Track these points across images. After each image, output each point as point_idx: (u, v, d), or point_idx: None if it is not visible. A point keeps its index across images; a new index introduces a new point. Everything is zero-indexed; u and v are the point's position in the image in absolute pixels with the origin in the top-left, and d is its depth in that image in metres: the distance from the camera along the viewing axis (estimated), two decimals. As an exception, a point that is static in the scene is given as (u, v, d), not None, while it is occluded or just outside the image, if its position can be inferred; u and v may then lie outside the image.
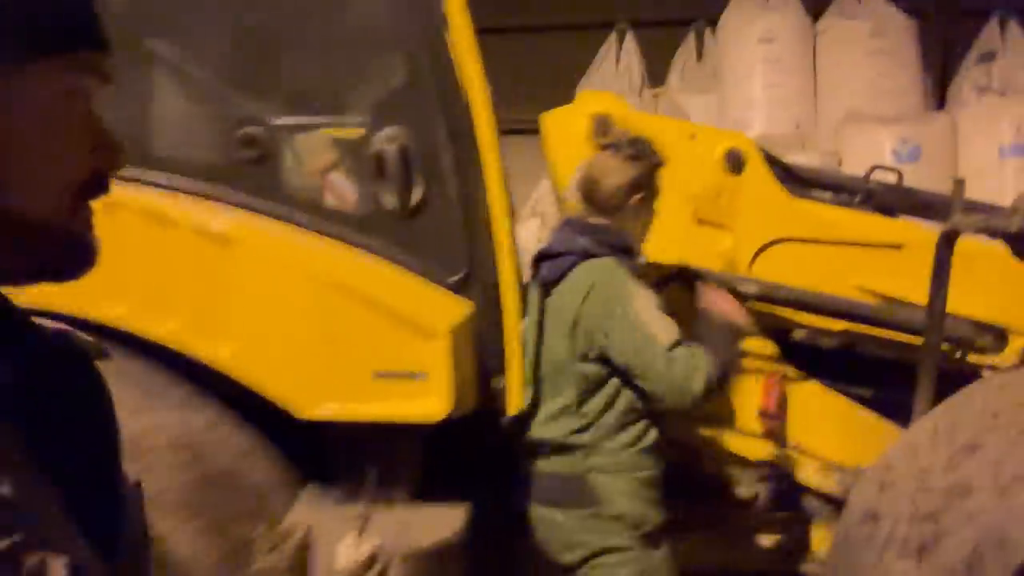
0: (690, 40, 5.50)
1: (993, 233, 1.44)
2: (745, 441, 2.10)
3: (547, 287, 1.82)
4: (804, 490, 2.08)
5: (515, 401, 1.62)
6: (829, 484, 1.92)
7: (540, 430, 1.79)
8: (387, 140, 1.65)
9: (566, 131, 2.10)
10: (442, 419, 1.55)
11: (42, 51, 0.53)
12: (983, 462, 1.38)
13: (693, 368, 1.64)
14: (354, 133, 1.73)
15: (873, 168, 2.17)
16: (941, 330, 1.61)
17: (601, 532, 1.72)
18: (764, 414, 2.03)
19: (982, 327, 1.90)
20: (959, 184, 1.66)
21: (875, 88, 4.78)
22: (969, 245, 1.66)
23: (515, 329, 1.62)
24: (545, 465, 1.78)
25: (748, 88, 4.96)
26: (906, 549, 1.39)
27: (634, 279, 1.74)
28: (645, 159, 1.83)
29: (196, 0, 1.76)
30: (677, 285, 2.03)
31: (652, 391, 1.70)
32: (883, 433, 2.00)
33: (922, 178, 3.69)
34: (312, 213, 1.72)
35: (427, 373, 1.52)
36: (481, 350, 1.66)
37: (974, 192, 3.92)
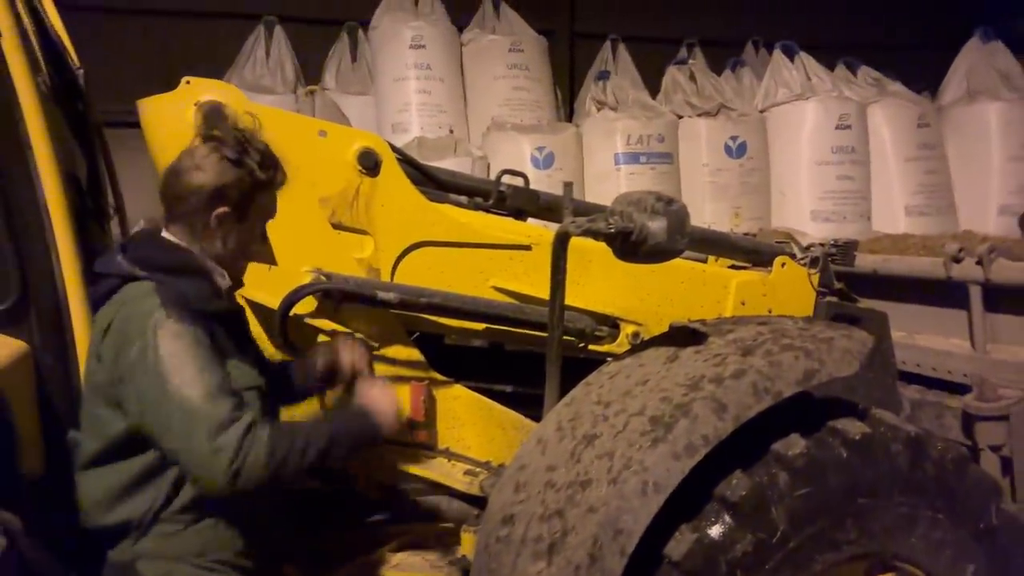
0: (344, 39, 5.39)
1: (595, 234, 1.51)
2: (397, 452, 2.02)
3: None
4: (454, 495, 2.07)
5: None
6: (474, 488, 1.92)
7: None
8: None
9: (169, 120, 1.80)
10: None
11: None
12: (599, 453, 1.45)
13: (243, 438, 1.30)
14: None
15: (503, 172, 2.24)
16: (561, 324, 1.67)
17: None
18: (412, 422, 1.97)
19: (599, 318, 2.06)
20: (568, 187, 1.76)
21: (514, 99, 5.17)
22: (585, 243, 1.76)
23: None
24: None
25: (402, 92, 5.02)
26: (538, 549, 1.40)
27: (178, 311, 1.35)
28: (247, 167, 1.44)
29: None
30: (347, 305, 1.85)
31: (177, 460, 1.34)
32: (528, 431, 2.07)
33: (556, 182, 4.08)
34: None
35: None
36: (47, 398, 1.30)
37: (597, 194, 4.49)
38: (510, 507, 1.52)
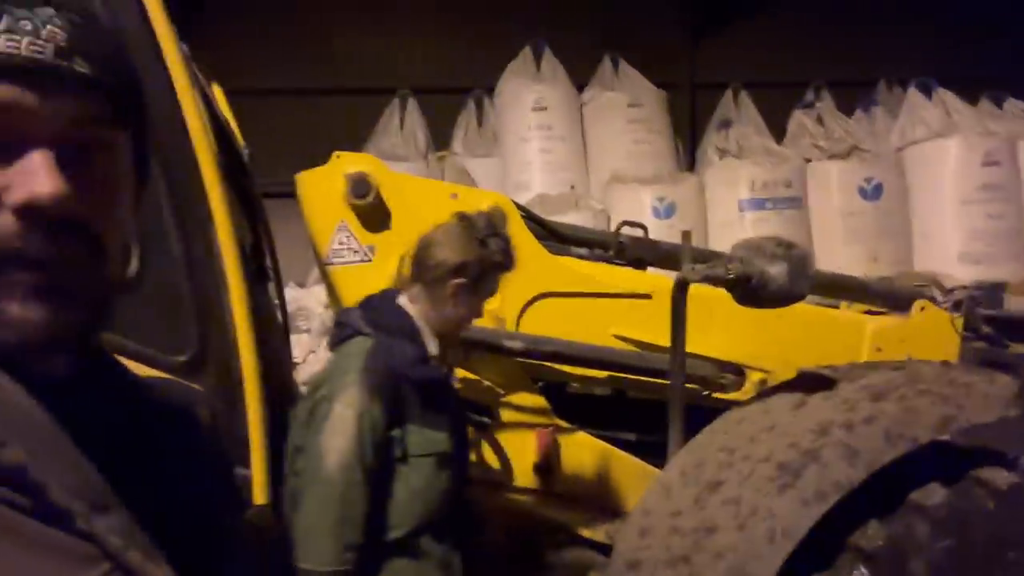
0: (471, 107, 5.73)
1: (714, 281, 1.54)
2: (523, 498, 2.08)
3: None
4: (584, 541, 2.09)
5: (260, 491, 1.46)
6: (599, 534, 1.94)
7: None
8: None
9: (321, 191, 2.01)
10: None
11: None
12: (724, 499, 1.44)
13: (319, 528, 1.40)
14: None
15: (622, 224, 2.31)
16: (683, 371, 1.69)
17: None
18: (538, 468, 2.03)
19: (722, 365, 2.05)
20: (686, 236, 1.79)
21: (635, 152, 5.26)
22: (707, 290, 1.78)
23: (257, 412, 1.46)
24: None
25: (525, 152, 5.24)
26: (664, 594, 1.40)
27: (371, 379, 1.47)
28: (490, 249, 1.60)
29: None
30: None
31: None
32: (651, 478, 2.07)
33: (677, 232, 4.06)
34: None
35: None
36: (219, 440, 1.48)
37: (721, 242, 4.43)
38: (635, 553, 1.53)
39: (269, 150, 4.54)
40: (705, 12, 6.09)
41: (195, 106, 1.46)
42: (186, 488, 0.61)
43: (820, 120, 5.12)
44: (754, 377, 2.09)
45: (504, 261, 1.65)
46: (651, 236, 2.41)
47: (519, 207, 2.18)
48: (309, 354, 4.59)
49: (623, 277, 2.17)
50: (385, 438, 1.48)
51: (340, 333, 1.62)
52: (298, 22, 6.03)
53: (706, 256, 2.03)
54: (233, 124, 2.49)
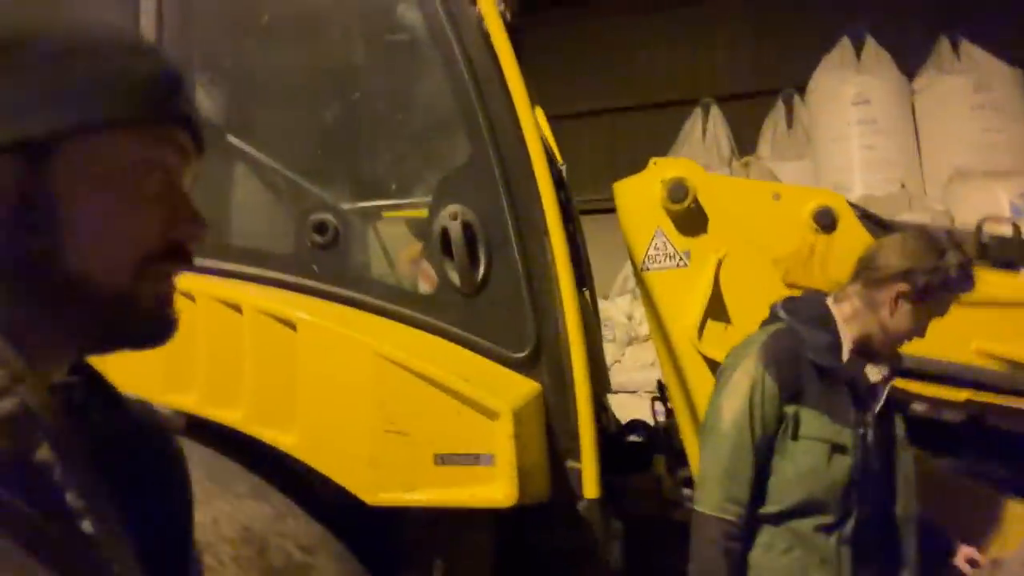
0: (779, 108, 5.41)
1: None
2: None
3: None
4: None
5: (591, 485, 1.50)
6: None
7: None
8: (451, 216, 1.64)
9: (639, 198, 2.03)
10: (511, 505, 1.44)
11: (120, 118, 0.53)
12: None
13: (710, 476, 1.49)
14: (421, 213, 1.73)
15: (983, 220, 1.97)
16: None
17: None
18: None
19: None
20: None
21: (983, 143, 4.50)
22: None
23: (586, 407, 1.51)
24: None
25: (844, 151, 4.78)
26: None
27: (774, 358, 1.51)
28: (946, 264, 1.52)
29: (272, 96, 1.84)
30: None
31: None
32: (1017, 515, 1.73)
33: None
34: (378, 295, 1.71)
35: (492, 456, 1.43)
36: (552, 432, 1.56)
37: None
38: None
39: (572, 170, 4.78)
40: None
41: (534, 131, 1.58)
42: (163, 507, 0.61)
43: None
44: None
45: (959, 279, 1.53)
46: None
47: (853, 206, 1.98)
48: (614, 363, 4.69)
49: (989, 282, 1.85)
50: (779, 412, 1.51)
51: (765, 321, 1.68)
52: (604, 46, 6.26)
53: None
54: (552, 143, 2.65)
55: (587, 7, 6.19)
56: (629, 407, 3.42)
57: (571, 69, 6.25)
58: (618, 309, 5.00)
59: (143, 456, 0.61)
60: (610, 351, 4.79)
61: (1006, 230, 1.99)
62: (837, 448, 1.50)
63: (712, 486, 1.49)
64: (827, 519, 1.49)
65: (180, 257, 0.57)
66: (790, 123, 5.38)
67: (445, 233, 1.65)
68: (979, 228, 1.96)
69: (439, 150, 1.82)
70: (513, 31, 1.86)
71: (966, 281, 1.54)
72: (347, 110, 1.84)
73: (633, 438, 2.54)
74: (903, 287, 1.52)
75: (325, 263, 1.76)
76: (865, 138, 4.71)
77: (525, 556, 1.65)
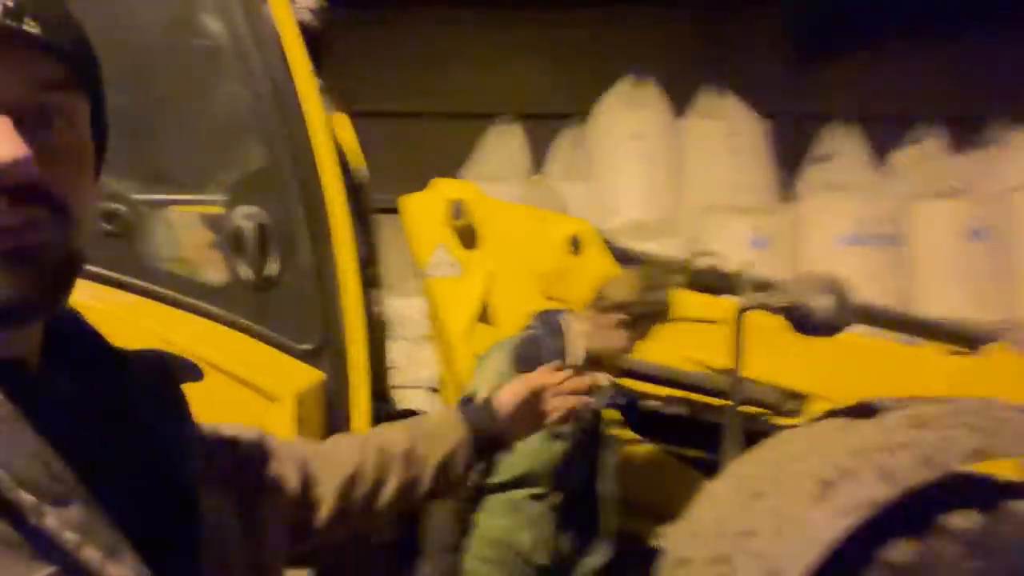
0: (568, 133, 5.95)
1: (771, 309, 1.68)
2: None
3: None
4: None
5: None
6: (655, 537, 2.08)
7: None
8: (245, 217, 1.77)
9: (424, 214, 2.29)
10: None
11: None
12: (765, 507, 1.58)
13: None
14: (215, 210, 1.83)
15: (695, 253, 2.45)
16: (739, 392, 1.83)
17: None
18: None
19: (785, 393, 2.16)
20: (747, 266, 1.93)
21: (733, 182, 5.31)
22: (781, 320, 1.90)
23: (361, 397, 1.73)
24: None
25: (620, 179, 5.40)
26: (706, 589, 1.55)
27: (518, 355, 1.88)
28: (657, 300, 1.95)
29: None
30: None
31: None
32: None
33: (772, 264, 4.12)
34: (170, 286, 1.79)
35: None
36: (332, 418, 1.75)
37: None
38: (683, 551, 1.69)
39: (377, 168, 4.94)
40: (809, 43, 6.08)
41: (327, 143, 1.76)
42: (166, 460, 0.59)
43: (927, 157, 5.02)
44: (817, 405, 2.18)
45: (660, 314, 1.96)
46: (745, 266, 2.52)
47: (600, 233, 2.37)
48: (407, 361, 4.91)
49: (697, 303, 2.32)
50: None
51: (525, 327, 2.04)
52: (418, 51, 6.47)
53: (765, 286, 2.15)
54: (354, 143, 2.81)
55: (407, 11, 6.38)
56: (417, 401, 3.68)
57: (385, 68, 6.39)
58: (415, 308, 5.22)
59: (141, 408, 0.59)
60: (405, 349, 5.00)
61: (713, 262, 2.49)
62: (557, 435, 1.85)
63: None
64: (538, 491, 1.87)
65: None
66: (578, 147, 5.93)
67: (239, 231, 1.78)
68: (690, 260, 2.45)
69: (236, 151, 1.93)
70: (320, 30, 2.01)
71: (664, 316, 1.98)
72: (143, 105, 1.88)
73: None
74: (622, 316, 1.93)
75: (115, 252, 1.81)
76: (638, 169, 5.35)
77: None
